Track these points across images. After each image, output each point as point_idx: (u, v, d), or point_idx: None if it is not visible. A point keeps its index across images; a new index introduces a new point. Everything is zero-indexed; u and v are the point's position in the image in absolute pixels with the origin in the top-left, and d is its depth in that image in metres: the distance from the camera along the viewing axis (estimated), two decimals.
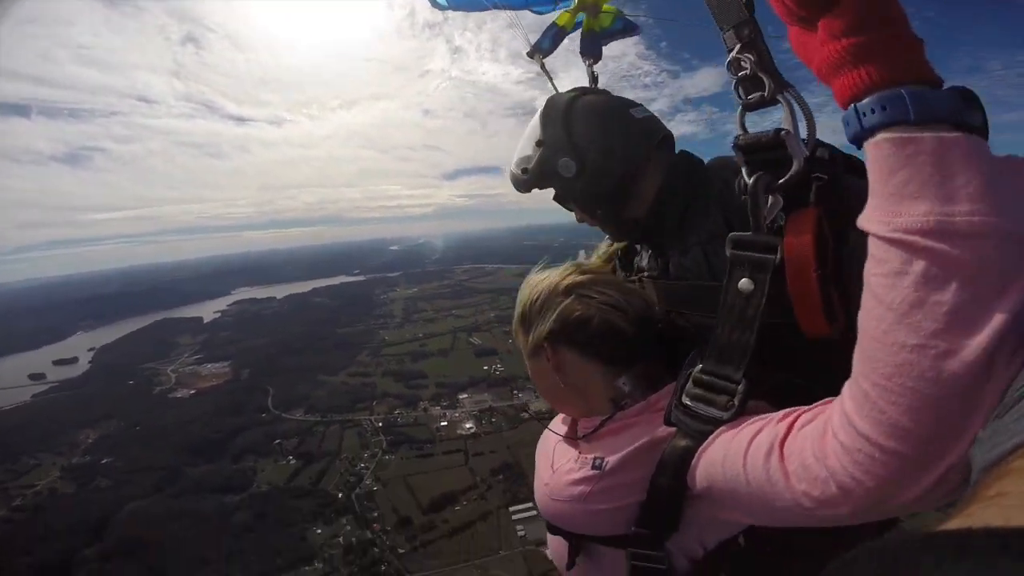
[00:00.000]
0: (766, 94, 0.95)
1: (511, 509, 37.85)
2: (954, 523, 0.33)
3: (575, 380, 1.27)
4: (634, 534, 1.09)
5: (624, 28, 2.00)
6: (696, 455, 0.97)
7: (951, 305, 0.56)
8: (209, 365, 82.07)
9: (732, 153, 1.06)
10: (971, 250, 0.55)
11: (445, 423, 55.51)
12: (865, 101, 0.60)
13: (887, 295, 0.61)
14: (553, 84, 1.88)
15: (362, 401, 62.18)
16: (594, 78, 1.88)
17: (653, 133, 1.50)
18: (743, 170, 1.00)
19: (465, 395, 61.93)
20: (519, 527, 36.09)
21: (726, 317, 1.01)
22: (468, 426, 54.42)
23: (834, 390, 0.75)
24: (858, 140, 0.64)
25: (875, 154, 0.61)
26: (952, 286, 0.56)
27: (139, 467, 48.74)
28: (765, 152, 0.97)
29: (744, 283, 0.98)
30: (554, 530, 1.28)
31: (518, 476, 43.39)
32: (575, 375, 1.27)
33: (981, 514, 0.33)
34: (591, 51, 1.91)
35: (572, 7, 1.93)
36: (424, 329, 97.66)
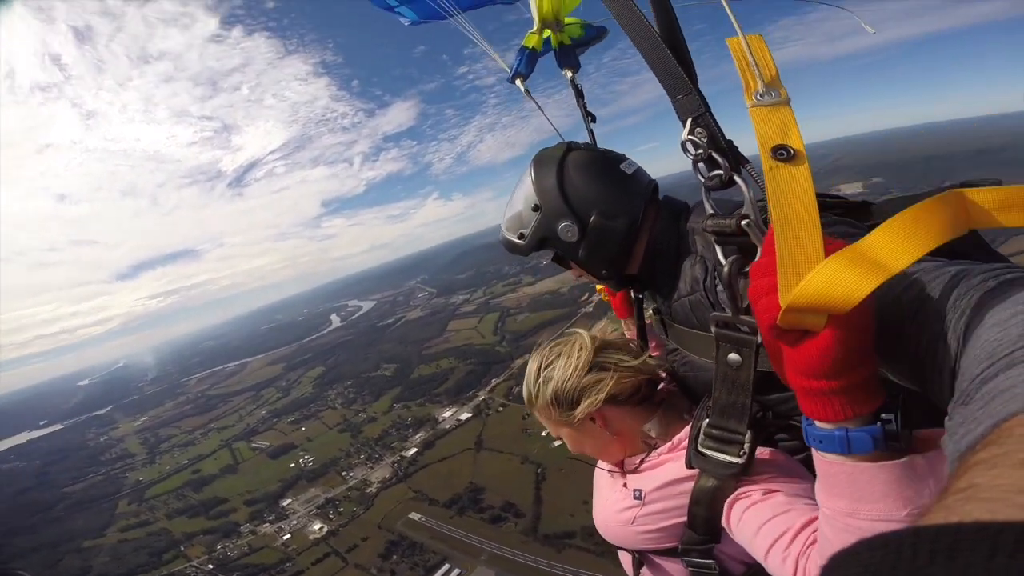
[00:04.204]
0: (724, 176, 1.01)
1: None
2: (937, 516, 0.34)
3: (619, 429, 1.47)
4: (683, 548, 1.31)
5: (595, 35, 2.01)
6: (725, 509, 1.19)
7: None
8: None
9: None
10: (873, 528, 0.73)
11: (288, 535, 52.79)
12: (813, 427, 0.75)
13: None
14: (540, 108, 1.94)
15: (167, 550, 54.99)
16: (578, 90, 1.90)
17: (645, 188, 1.58)
18: (717, 249, 1.07)
19: (288, 500, 60.48)
20: None
21: (721, 383, 1.12)
22: (318, 527, 52.70)
23: None
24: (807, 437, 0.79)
25: (815, 455, 0.80)
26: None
27: None
28: (733, 238, 1.02)
29: (733, 357, 1.08)
30: (618, 547, 1.52)
31: (414, 546, 45.07)
32: (618, 426, 1.47)
33: (962, 507, 0.33)
34: (568, 63, 1.92)
35: (536, 27, 1.93)
36: (186, 455, 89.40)
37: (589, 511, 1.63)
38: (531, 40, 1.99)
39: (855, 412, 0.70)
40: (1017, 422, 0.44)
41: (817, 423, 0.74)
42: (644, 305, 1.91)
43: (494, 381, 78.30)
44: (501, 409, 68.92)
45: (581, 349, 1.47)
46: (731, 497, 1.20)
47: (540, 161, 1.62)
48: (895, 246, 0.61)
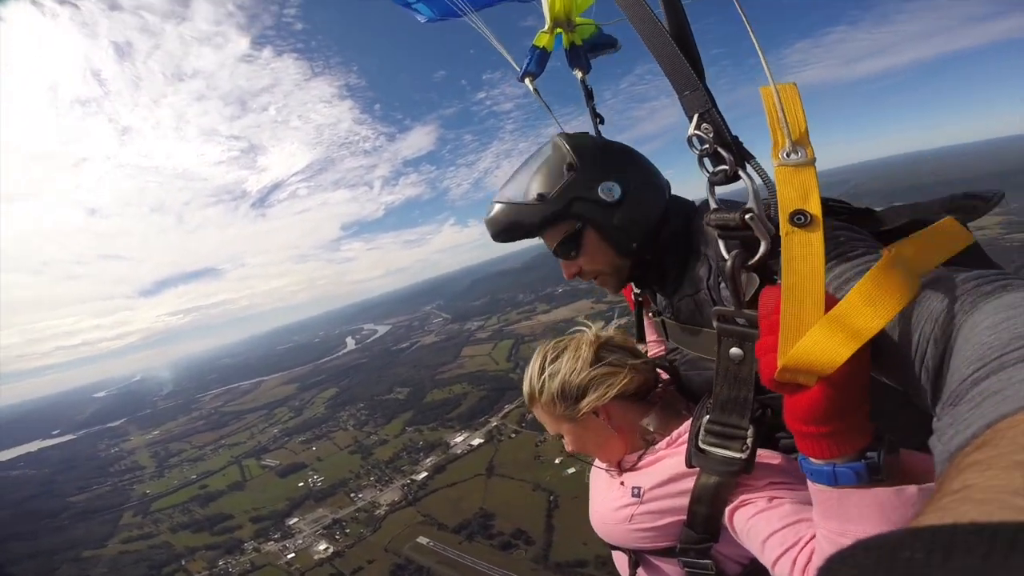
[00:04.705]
0: (728, 171, 1.02)
1: None
2: (932, 517, 0.35)
3: (620, 424, 1.45)
4: (681, 547, 1.27)
5: (605, 41, 2.00)
6: (728, 512, 1.18)
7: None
8: None
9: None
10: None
11: (293, 554, 52.07)
12: (807, 462, 0.85)
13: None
14: (547, 107, 1.89)
15: (167, 564, 54.18)
16: (588, 91, 1.86)
17: (665, 181, 1.57)
18: (720, 244, 1.06)
19: (294, 519, 59.68)
20: None
21: (723, 378, 1.11)
22: (323, 547, 51.99)
23: None
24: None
25: (808, 483, 0.89)
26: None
27: None
28: (736, 232, 1.01)
29: (735, 351, 1.07)
30: (614, 546, 1.49)
31: (420, 570, 43.84)
32: (620, 421, 1.45)
33: (957, 508, 0.34)
34: (578, 64, 1.89)
35: (547, 27, 1.92)
36: (195, 470, 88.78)
37: (603, 540, 1.54)
38: (542, 39, 1.96)
39: (841, 452, 0.80)
40: (1008, 423, 0.45)
41: (810, 459, 0.85)
42: (644, 305, 1.83)
43: (507, 407, 76.89)
44: (514, 436, 67.68)
45: (586, 345, 1.48)
46: (736, 501, 1.18)
47: (569, 135, 1.53)
48: (866, 313, 0.69)
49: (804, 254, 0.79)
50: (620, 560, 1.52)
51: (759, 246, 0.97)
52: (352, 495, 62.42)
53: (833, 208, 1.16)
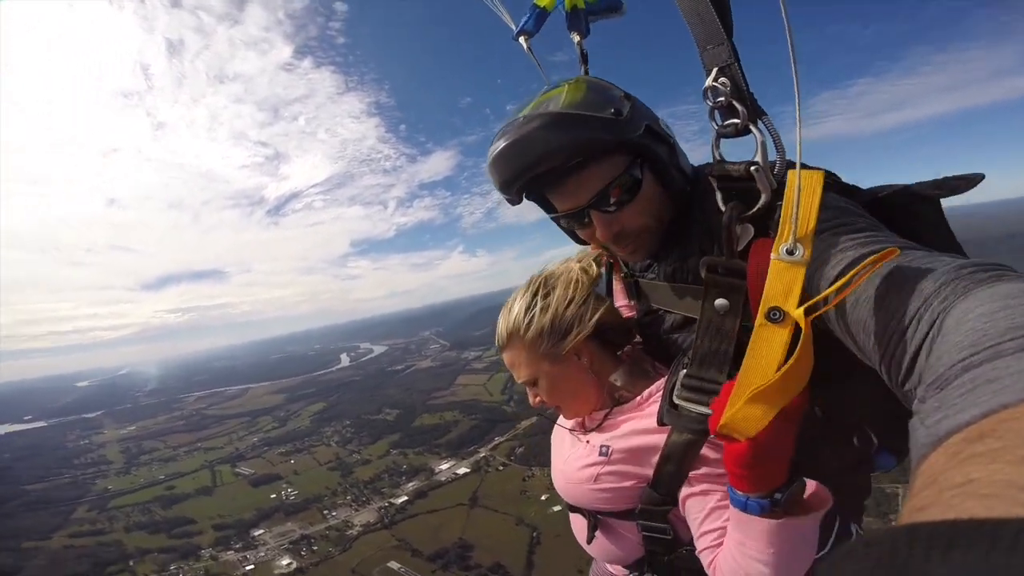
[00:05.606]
0: (740, 124, 1.01)
1: None
2: (935, 511, 0.34)
3: (599, 370, 1.43)
4: (641, 509, 1.29)
5: (608, 6, 1.93)
6: (683, 494, 1.23)
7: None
8: None
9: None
10: (747, 557, 1.04)
11: (252, 566, 49.12)
12: (731, 489, 1.02)
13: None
14: (539, 66, 1.88)
15: (113, 563, 50.13)
16: (584, 55, 1.79)
17: None
18: (717, 195, 1.08)
19: (260, 531, 56.78)
20: None
21: (705, 330, 1.10)
22: (286, 562, 49.27)
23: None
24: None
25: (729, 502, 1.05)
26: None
27: None
28: (737, 183, 1.04)
29: (720, 302, 1.07)
30: (573, 509, 1.49)
31: None
32: (598, 365, 1.43)
33: (961, 503, 0.33)
34: (577, 27, 1.83)
35: None
36: (164, 470, 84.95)
37: (563, 500, 1.52)
38: None
39: (755, 490, 0.98)
40: (1011, 414, 0.44)
41: (734, 488, 1.01)
42: (613, 267, 1.74)
43: (497, 439, 74.32)
44: (502, 468, 65.06)
45: (579, 281, 1.44)
46: (691, 477, 1.23)
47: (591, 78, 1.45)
48: (776, 398, 0.82)
49: (767, 346, 0.88)
50: (578, 524, 1.50)
51: (758, 200, 1.01)
52: (325, 512, 59.50)
53: (837, 184, 1.15)
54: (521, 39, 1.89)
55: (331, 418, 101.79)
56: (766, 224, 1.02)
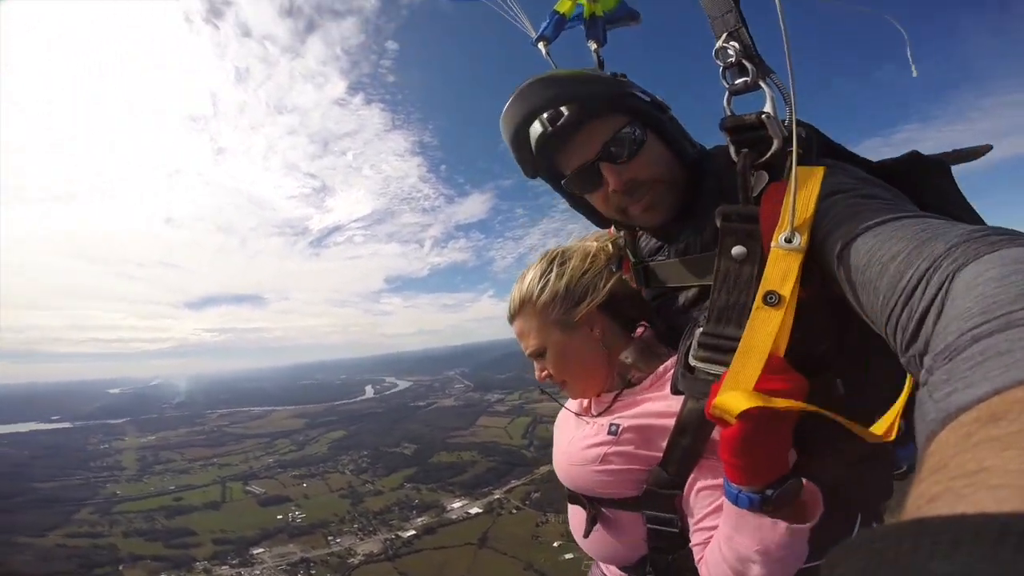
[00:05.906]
0: (749, 80, 1.08)
1: None
2: (944, 503, 0.33)
3: (610, 344, 1.38)
4: (646, 494, 1.20)
5: (627, 14, 1.97)
6: (698, 485, 1.14)
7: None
8: None
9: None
10: (737, 551, 0.99)
11: None
12: (726, 482, 0.99)
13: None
14: (554, 64, 1.89)
15: (102, 566, 48.97)
16: (600, 63, 1.82)
17: None
18: (730, 148, 1.10)
19: (260, 549, 55.16)
20: None
21: (722, 282, 1.06)
22: None
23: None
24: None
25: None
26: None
27: None
28: (749, 132, 1.07)
29: (737, 250, 1.03)
30: (573, 499, 1.39)
31: None
32: (610, 339, 1.38)
33: (973, 495, 0.32)
34: (595, 35, 1.87)
35: None
36: (176, 481, 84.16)
37: (564, 487, 1.43)
38: (563, 6, 1.94)
39: (747, 483, 0.94)
40: None
41: (728, 479, 0.99)
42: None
43: (513, 482, 70.76)
44: (515, 512, 61.63)
45: (596, 255, 1.45)
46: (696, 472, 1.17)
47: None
48: (758, 376, 0.86)
49: (764, 327, 0.91)
50: (577, 517, 1.41)
51: (771, 145, 1.04)
52: (330, 538, 57.16)
53: (837, 151, 1.19)
54: (540, 44, 1.91)
55: (349, 447, 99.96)
56: (779, 170, 1.03)
